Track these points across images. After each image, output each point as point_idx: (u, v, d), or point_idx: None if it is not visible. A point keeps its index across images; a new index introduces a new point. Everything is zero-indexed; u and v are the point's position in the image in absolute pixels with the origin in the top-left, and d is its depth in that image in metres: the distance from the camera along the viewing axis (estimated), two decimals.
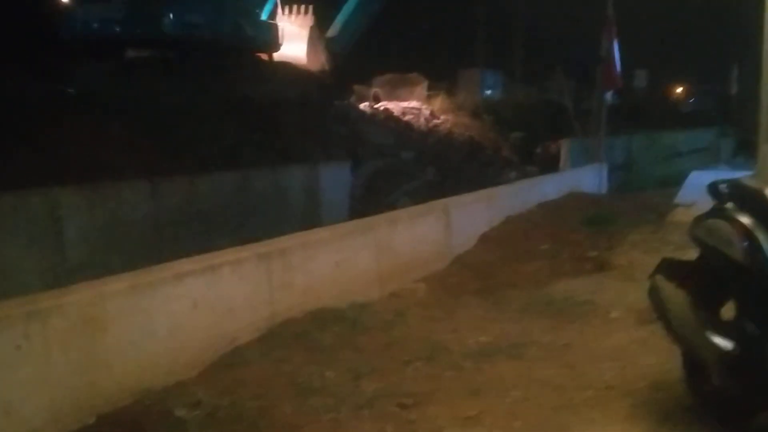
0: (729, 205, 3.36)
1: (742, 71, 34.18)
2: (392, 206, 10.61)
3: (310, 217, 12.00)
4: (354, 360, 4.70)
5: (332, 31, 21.46)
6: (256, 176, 11.90)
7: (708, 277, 3.44)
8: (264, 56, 18.64)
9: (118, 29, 15.04)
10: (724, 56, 32.98)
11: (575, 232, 8.73)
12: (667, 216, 8.44)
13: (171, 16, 15.39)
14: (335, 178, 13.70)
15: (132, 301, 4.22)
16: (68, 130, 9.85)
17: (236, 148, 12.17)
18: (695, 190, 8.07)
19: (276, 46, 18.74)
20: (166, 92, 12.22)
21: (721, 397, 3.39)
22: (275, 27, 18.92)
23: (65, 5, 15.39)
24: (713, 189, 3.51)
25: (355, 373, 4.47)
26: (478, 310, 6.02)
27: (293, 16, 20.03)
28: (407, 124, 19.10)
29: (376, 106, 19.76)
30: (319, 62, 20.15)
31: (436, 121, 20.13)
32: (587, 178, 13.72)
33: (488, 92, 24.00)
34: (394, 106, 20.00)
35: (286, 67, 18.75)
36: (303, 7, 19.96)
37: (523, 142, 20.23)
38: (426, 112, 20.44)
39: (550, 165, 17.17)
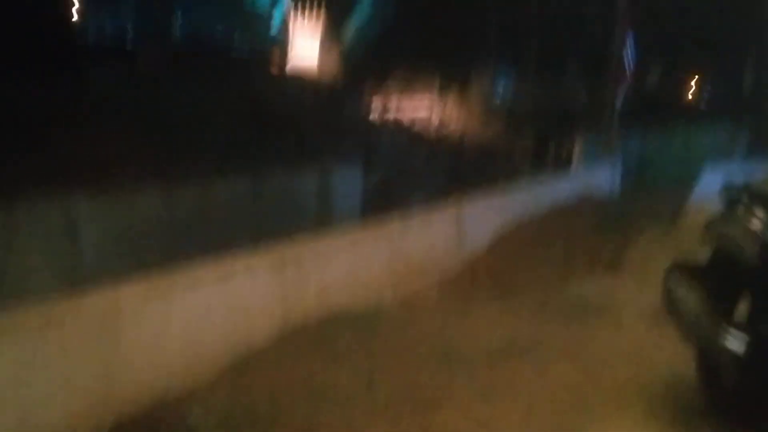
0: (742, 206, 3.35)
1: (757, 66, 33.94)
2: (405, 209, 10.61)
3: (322, 221, 12.02)
4: (367, 364, 4.71)
5: (346, 34, 21.50)
6: (269, 181, 11.93)
7: (721, 278, 3.43)
8: (275, 60, 18.70)
9: (128, 36, 15.15)
10: (740, 51, 32.73)
11: (588, 233, 8.71)
12: (680, 217, 8.41)
13: (179, 21, 15.49)
14: (348, 182, 13.70)
15: (147, 307, 4.25)
16: (83, 136, 9.91)
17: (249, 153, 12.20)
18: (708, 190, 8.03)
19: (287, 50, 18.79)
20: (179, 98, 12.27)
21: (734, 397, 3.39)
22: (285, 28, 18.98)
23: (79, 11, 15.49)
24: (726, 190, 3.50)
25: (369, 378, 4.48)
26: (491, 312, 6.02)
27: (305, 21, 20.08)
28: (419, 126, 19.09)
29: (387, 106, 19.77)
30: (332, 66, 20.19)
31: (447, 122, 20.11)
32: (600, 178, 13.67)
33: (500, 92, 23.93)
34: (406, 106, 20.00)
35: (298, 71, 18.79)
36: (315, 11, 20.00)
37: (535, 142, 20.17)
38: (437, 113, 20.43)
39: (562, 165, 17.10)
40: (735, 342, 3.08)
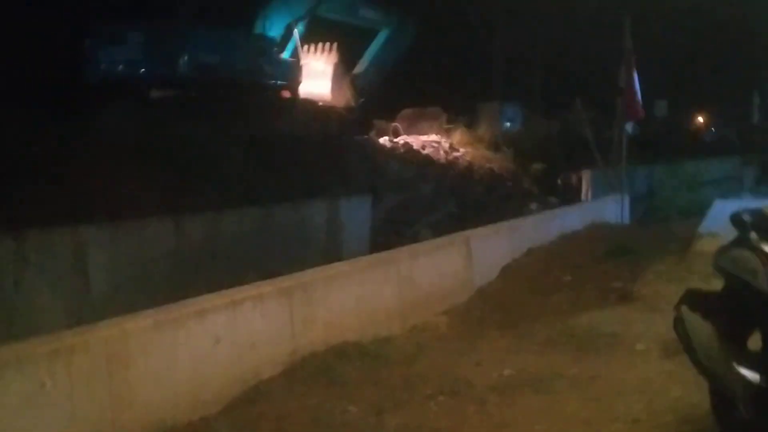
0: (753, 234, 3.32)
1: (763, 99, 34.03)
2: (413, 239, 10.61)
3: (331, 251, 12.03)
4: (376, 395, 4.67)
5: (359, 67, 21.69)
6: (277, 212, 11.98)
7: (734, 308, 3.39)
8: (286, 93, 18.86)
9: (136, 70, 15.33)
10: (745, 84, 32.88)
11: (598, 263, 8.65)
12: (690, 246, 8.34)
13: (186, 57, 15.66)
14: (356, 212, 13.75)
15: (155, 338, 4.25)
16: (93, 168, 10.01)
17: (258, 184, 12.28)
18: (719, 219, 7.98)
19: (297, 83, 18.97)
20: (187, 130, 12.39)
21: (748, 430, 3.33)
22: (296, 64, 19.17)
23: (88, 48, 15.70)
24: (737, 219, 3.48)
25: (378, 408, 4.44)
26: (501, 342, 5.97)
27: (317, 53, 20.26)
28: (427, 157, 19.16)
29: (395, 140, 19.88)
30: (344, 98, 20.33)
31: (455, 154, 20.18)
32: (609, 209, 13.65)
33: (508, 124, 24.04)
34: (414, 140, 20.10)
35: (308, 103, 18.94)
36: (327, 44, 20.19)
37: (543, 173, 20.20)
38: (446, 145, 20.51)
39: (571, 196, 17.11)
40: (749, 372, 3.03)
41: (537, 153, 20.83)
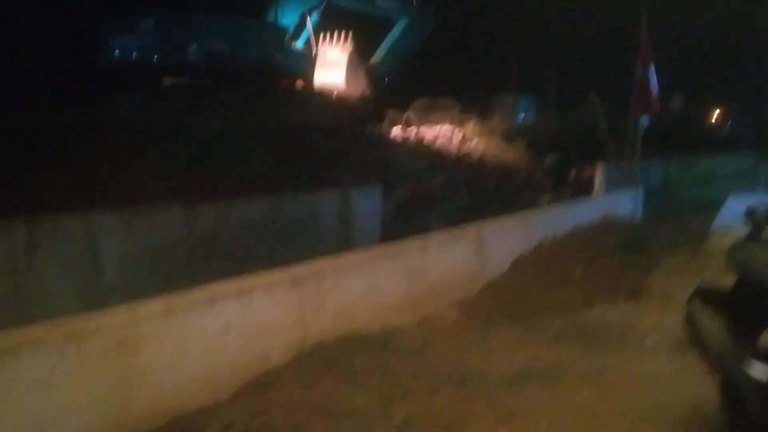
0: (766, 231, 3.31)
1: None
2: (424, 230, 10.60)
3: (341, 242, 12.03)
4: (385, 384, 4.68)
5: (376, 57, 21.61)
6: (288, 201, 11.98)
7: (745, 304, 3.38)
8: (299, 83, 18.84)
9: (148, 58, 15.35)
10: (762, 80, 32.54)
11: (610, 258, 8.63)
12: (703, 242, 8.30)
13: (195, 45, 15.67)
14: (367, 203, 13.73)
15: (166, 324, 4.27)
16: (105, 155, 10.05)
17: (269, 173, 12.28)
18: (732, 215, 7.93)
19: (310, 73, 18.93)
20: (199, 119, 12.41)
21: (757, 426, 3.31)
22: (309, 54, 19.12)
23: (101, 35, 15.75)
24: (750, 215, 3.46)
25: (386, 398, 4.45)
26: (510, 335, 5.97)
27: (333, 43, 20.18)
28: (439, 148, 19.10)
29: (408, 130, 19.82)
30: (359, 88, 20.25)
31: (468, 145, 20.10)
32: (622, 203, 13.58)
33: (521, 116, 23.93)
34: (426, 131, 20.03)
35: (321, 93, 18.91)
36: (343, 34, 20.11)
37: (556, 166, 20.08)
38: (458, 136, 20.43)
39: (584, 189, 17.02)
40: (759, 370, 3.02)
41: (550, 145, 20.70)
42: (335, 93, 19.48)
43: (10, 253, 8.05)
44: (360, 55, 20.52)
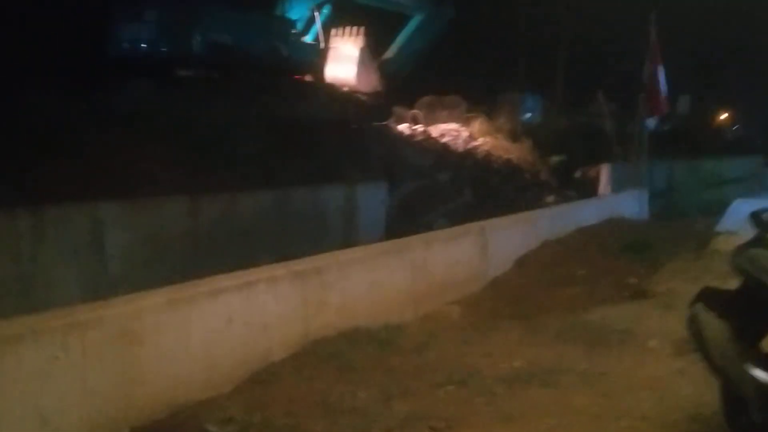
0: None
1: None
2: (428, 227, 10.58)
3: (346, 236, 12.04)
4: (386, 381, 4.68)
5: (389, 53, 21.53)
6: (294, 195, 11.99)
7: (749, 308, 3.36)
8: (307, 77, 18.80)
9: (155, 49, 15.34)
10: None
11: (614, 259, 8.61)
12: (708, 244, 8.28)
13: (199, 36, 15.64)
14: (372, 198, 13.73)
15: (169, 316, 4.28)
16: (111, 145, 10.06)
17: (275, 166, 12.28)
18: (738, 218, 7.91)
19: (319, 67, 18.88)
20: (206, 111, 12.41)
21: (760, 430, 3.30)
22: (318, 48, 19.08)
23: (110, 26, 15.73)
24: (756, 218, 3.44)
25: (387, 395, 4.45)
26: (512, 334, 5.96)
27: (345, 37, 20.09)
28: (445, 145, 19.08)
29: (414, 127, 19.79)
30: (370, 83, 20.17)
31: (474, 143, 20.06)
32: (627, 204, 13.55)
33: (528, 116, 23.85)
34: (433, 128, 20.00)
35: (330, 87, 18.89)
36: (355, 28, 20.00)
37: (562, 166, 20.04)
38: (464, 134, 20.39)
39: (589, 190, 16.98)
40: (762, 374, 3.01)
41: (556, 145, 20.66)
42: (345, 88, 19.43)
43: (14, 242, 8.07)
44: (372, 51, 20.43)
